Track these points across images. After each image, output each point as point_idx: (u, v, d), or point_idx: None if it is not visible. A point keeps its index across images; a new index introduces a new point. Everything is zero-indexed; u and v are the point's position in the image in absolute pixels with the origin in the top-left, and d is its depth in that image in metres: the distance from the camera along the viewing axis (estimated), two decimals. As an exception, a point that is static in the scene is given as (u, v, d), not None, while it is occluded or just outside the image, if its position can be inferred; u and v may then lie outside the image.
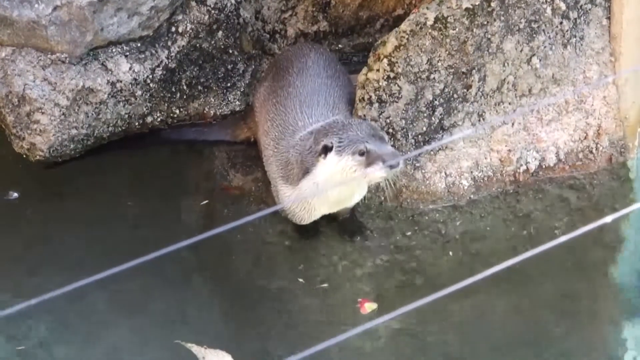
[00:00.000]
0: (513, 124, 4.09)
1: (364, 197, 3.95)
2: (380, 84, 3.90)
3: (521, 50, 4.00)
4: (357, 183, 3.61)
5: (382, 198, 4.01)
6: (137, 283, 3.60)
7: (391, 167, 3.37)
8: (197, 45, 4.31)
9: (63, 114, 4.07)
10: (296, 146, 3.66)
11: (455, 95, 3.95)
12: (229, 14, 4.38)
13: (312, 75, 3.98)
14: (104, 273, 1.93)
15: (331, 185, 3.54)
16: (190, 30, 4.28)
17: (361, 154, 3.40)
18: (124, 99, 4.17)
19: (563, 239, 2.24)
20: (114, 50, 4.12)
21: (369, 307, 3.51)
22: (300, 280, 3.70)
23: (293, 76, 4.00)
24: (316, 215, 3.77)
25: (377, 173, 3.40)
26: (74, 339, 3.42)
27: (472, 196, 4.05)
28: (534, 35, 4.00)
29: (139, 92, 4.20)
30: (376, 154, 3.38)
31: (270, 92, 4.04)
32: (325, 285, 3.67)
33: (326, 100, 3.87)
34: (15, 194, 4.09)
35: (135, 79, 4.17)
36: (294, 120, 3.80)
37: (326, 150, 3.46)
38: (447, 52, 3.88)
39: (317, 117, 3.77)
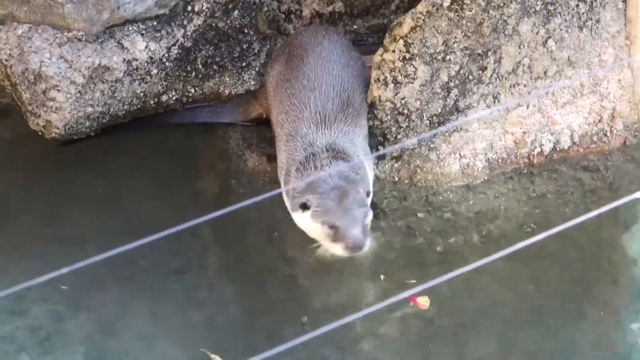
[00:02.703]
0: (528, 106, 4.09)
1: (378, 178, 3.98)
2: (396, 64, 3.90)
3: (537, 33, 4.00)
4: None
5: (396, 179, 4.02)
6: (150, 262, 3.62)
7: (352, 251, 3.38)
8: (213, 24, 4.32)
9: (79, 91, 4.07)
10: (296, 159, 3.67)
11: (470, 77, 3.95)
12: (245, -7, 4.40)
13: (327, 68, 3.97)
14: (115, 250, 1.94)
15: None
16: (206, 10, 4.28)
17: (330, 227, 3.41)
18: (139, 77, 4.17)
19: (577, 220, 2.25)
20: (130, 28, 4.12)
21: (423, 300, 3.47)
22: (313, 260, 3.70)
23: (307, 67, 3.99)
24: None
25: (338, 252, 3.42)
26: (86, 319, 3.42)
27: (486, 177, 4.06)
28: (550, 18, 4.00)
29: (155, 71, 4.20)
30: (342, 235, 3.38)
31: (284, 80, 4.04)
32: (338, 265, 3.68)
33: (340, 95, 3.86)
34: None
35: (151, 58, 4.17)
36: (308, 122, 3.78)
37: (305, 206, 3.48)
38: (463, 34, 3.88)
39: (330, 119, 3.77)
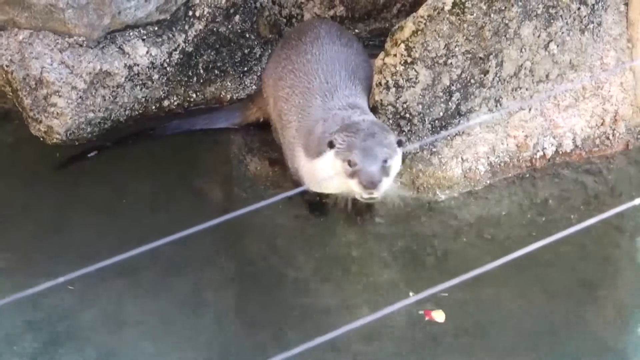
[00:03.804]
0: (530, 110, 4.09)
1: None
2: (398, 68, 3.89)
3: (539, 36, 3.99)
4: (343, 186, 3.60)
5: (398, 183, 4.02)
6: (153, 267, 3.61)
7: (365, 188, 3.39)
8: (214, 29, 4.32)
9: (80, 97, 4.07)
10: (327, 120, 3.69)
11: (472, 81, 3.95)
12: (246, -3, 4.40)
13: (327, 43, 4.00)
14: (120, 256, 1.94)
15: (332, 176, 3.56)
16: (208, 14, 4.28)
17: (349, 163, 3.43)
18: (141, 82, 4.17)
19: (582, 225, 2.25)
20: (131, 33, 4.13)
21: (437, 315, 3.45)
22: (315, 266, 3.71)
23: (307, 45, 4.01)
24: (326, 191, 3.79)
25: (354, 187, 3.43)
26: (92, 323, 3.42)
27: (488, 181, 4.05)
28: (552, 21, 3.99)
29: (156, 76, 4.20)
30: (358, 170, 3.40)
31: (285, 60, 4.04)
32: (340, 270, 3.68)
33: (346, 68, 3.89)
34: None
35: (152, 63, 4.17)
36: (321, 90, 3.82)
37: (331, 144, 3.50)
38: (465, 37, 3.87)
39: (341, 86, 3.81)
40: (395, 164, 3.51)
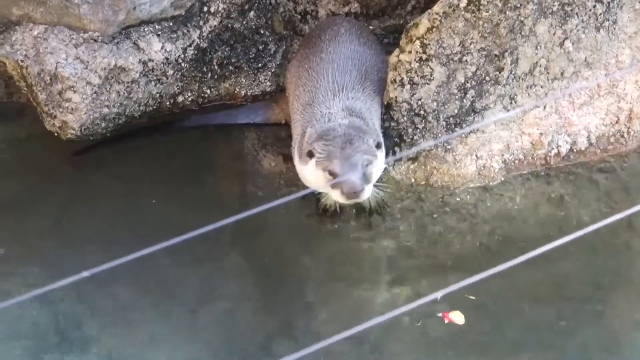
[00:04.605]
0: (545, 107, 4.08)
1: (394, 179, 3.98)
2: (412, 65, 3.89)
3: (554, 34, 3.98)
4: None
5: (412, 180, 4.02)
6: (166, 264, 3.60)
7: (347, 198, 3.43)
8: (229, 25, 4.32)
9: (95, 92, 4.07)
10: (313, 122, 3.69)
11: (487, 78, 3.94)
12: (261, -7, 4.40)
13: (345, 42, 4.02)
14: (131, 255, 1.95)
15: (318, 184, 3.59)
16: (222, 10, 4.28)
17: (330, 173, 3.46)
18: (155, 78, 4.18)
19: (596, 226, 2.25)
20: (146, 29, 4.13)
21: (456, 316, 3.41)
22: (327, 263, 3.70)
23: (325, 42, 4.04)
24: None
25: (337, 198, 3.48)
26: (103, 319, 3.43)
27: (502, 179, 4.05)
28: (567, 19, 3.98)
29: (171, 72, 4.21)
30: (339, 180, 3.41)
31: (303, 59, 4.06)
32: (352, 268, 3.68)
33: (358, 68, 3.91)
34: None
35: (167, 59, 4.18)
36: (325, 90, 3.83)
37: (310, 154, 3.53)
38: (480, 35, 3.87)
39: (348, 87, 3.81)
40: (377, 169, 3.55)
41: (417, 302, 2.07)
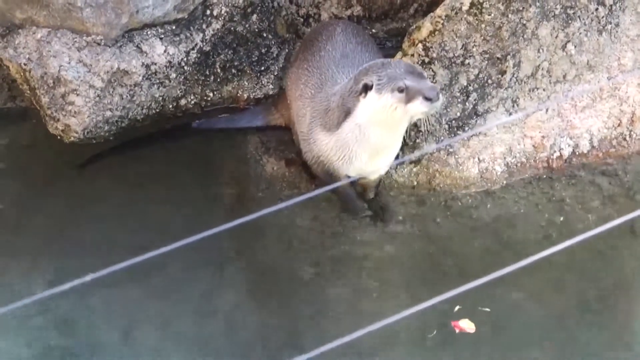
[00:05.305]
0: (547, 110, 4.08)
1: (396, 182, 3.98)
2: (415, 69, 3.90)
3: (556, 37, 3.99)
4: (398, 124, 3.60)
5: (415, 183, 4.02)
6: (168, 268, 3.61)
7: (431, 100, 3.40)
8: (232, 28, 4.32)
9: (98, 95, 4.07)
10: (337, 93, 3.70)
11: (489, 81, 3.95)
12: (264, -3, 4.40)
13: (342, 41, 4.02)
14: (134, 260, 1.95)
15: (373, 126, 3.58)
16: (225, 14, 4.28)
17: (400, 90, 3.43)
18: (158, 81, 4.18)
19: (598, 230, 2.25)
20: (149, 32, 4.13)
21: (466, 324, 3.39)
22: (332, 267, 3.70)
23: (323, 42, 4.03)
24: (354, 166, 3.76)
25: (418, 108, 3.43)
26: (105, 325, 3.44)
27: (505, 182, 4.05)
28: (570, 22, 3.99)
29: (173, 75, 4.21)
30: (415, 89, 3.40)
31: (302, 62, 4.06)
32: (357, 272, 3.68)
33: (359, 62, 3.89)
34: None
35: (169, 62, 4.17)
36: (332, 76, 3.85)
37: (366, 89, 3.52)
38: (482, 38, 3.87)
39: (352, 74, 3.80)
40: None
41: (415, 307, 2.06)
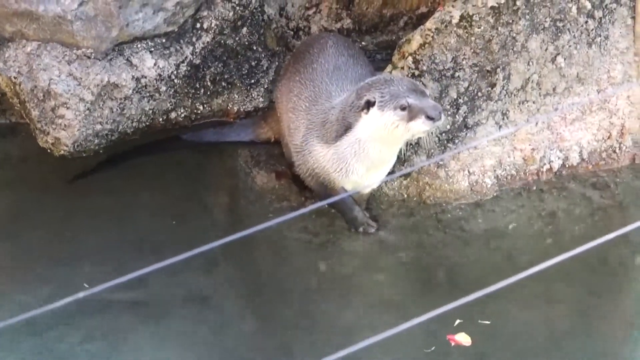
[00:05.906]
0: (537, 123, 4.09)
1: (386, 195, 3.98)
2: (405, 81, 3.90)
3: (546, 49, 4.00)
4: (399, 141, 3.62)
5: (405, 196, 4.02)
6: (158, 283, 3.58)
7: (433, 119, 3.43)
8: (222, 41, 4.33)
9: (88, 109, 4.07)
10: (336, 106, 3.71)
11: (479, 94, 3.95)
12: (254, 10, 4.39)
13: (334, 53, 4.01)
14: (127, 276, 1.94)
15: (373, 142, 3.59)
16: (215, 27, 4.29)
17: (403, 108, 3.46)
18: (148, 94, 4.18)
19: (591, 244, 2.24)
20: (139, 45, 4.13)
21: (462, 338, 3.33)
22: (322, 278, 3.70)
23: (315, 55, 4.03)
24: (349, 179, 3.76)
25: (420, 127, 3.46)
26: (97, 339, 3.41)
27: (495, 194, 4.05)
28: (559, 34, 4.00)
29: (164, 88, 4.21)
30: (418, 108, 3.43)
31: (293, 74, 4.05)
32: (347, 284, 3.66)
33: (351, 75, 3.89)
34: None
35: (159, 75, 4.18)
36: (327, 88, 3.85)
37: (368, 105, 3.52)
38: (472, 51, 3.88)
39: (346, 86, 3.81)
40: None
41: (414, 321, 2.05)
